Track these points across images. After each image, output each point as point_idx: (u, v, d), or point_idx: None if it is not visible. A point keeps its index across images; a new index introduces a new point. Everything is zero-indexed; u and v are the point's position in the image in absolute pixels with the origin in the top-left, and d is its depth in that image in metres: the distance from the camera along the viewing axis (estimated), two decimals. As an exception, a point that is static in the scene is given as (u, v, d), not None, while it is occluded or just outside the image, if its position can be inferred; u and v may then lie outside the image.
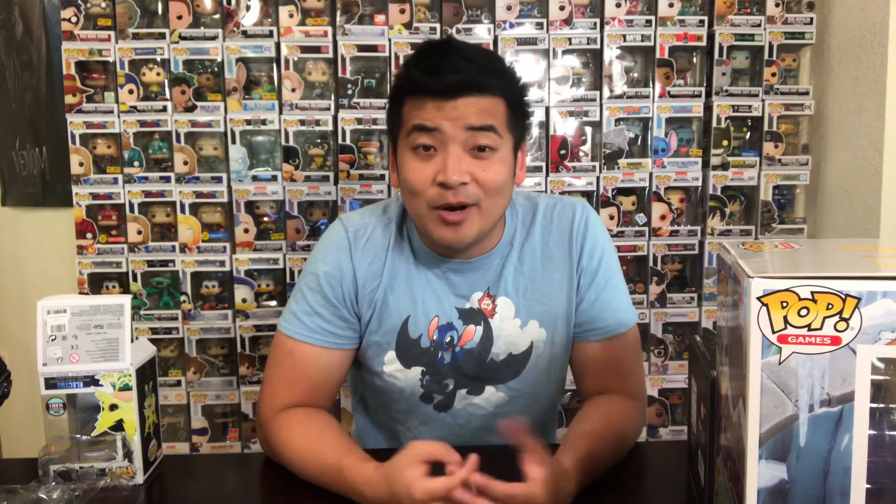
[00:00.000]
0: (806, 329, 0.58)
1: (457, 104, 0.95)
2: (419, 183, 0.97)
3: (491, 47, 1.72)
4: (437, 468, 0.81)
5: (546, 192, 1.75)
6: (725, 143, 1.78)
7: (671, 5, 1.74)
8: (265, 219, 1.79)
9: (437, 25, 1.74)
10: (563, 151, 1.76)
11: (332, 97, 1.75)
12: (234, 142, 1.74)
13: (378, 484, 0.83)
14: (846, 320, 0.57)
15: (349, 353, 1.09)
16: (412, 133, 0.97)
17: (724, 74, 1.76)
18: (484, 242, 1.06)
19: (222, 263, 1.77)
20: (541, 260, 1.09)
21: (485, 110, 0.97)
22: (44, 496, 0.85)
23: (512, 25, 1.73)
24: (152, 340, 1.26)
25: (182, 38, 1.72)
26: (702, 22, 1.75)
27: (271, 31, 1.72)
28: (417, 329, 1.07)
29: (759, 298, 0.58)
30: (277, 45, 1.72)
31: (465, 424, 1.12)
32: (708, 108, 1.77)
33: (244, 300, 1.78)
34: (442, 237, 0.99)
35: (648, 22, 1.73)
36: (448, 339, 1.07)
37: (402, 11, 1.73)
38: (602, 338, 1.09)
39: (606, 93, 1.76)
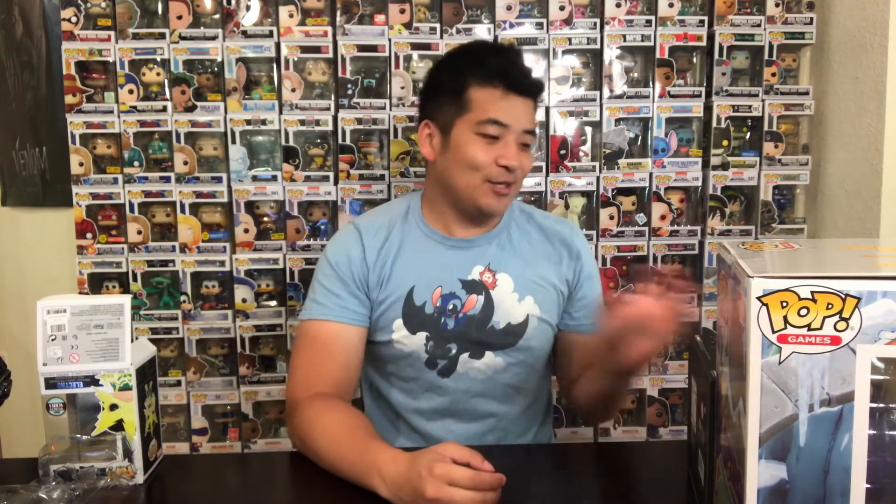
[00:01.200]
0: (806, 329, 0.58)
1: (527, 104, 1.17)
2: (483, 161, 1.15)
3: (491, 47, 1.73)
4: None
5: (546, 191, 1.76)
6: (725, 143, 1.78)
7: (671, 5, 1.74)
8: (265, 219, 1.79)
9: (437, 25, 1.73)
10: (563, 151, 1.76)
11: (332, 97, 1.75)
12: (234, 142, 1.74)
13: (401, 463, 0.87)
14: (846, 320, 0.57)
15: (364, 331, 1.21)
16: (486, 123, 1.15)
17: (724, 74, 1.76)
18: (487, 222, 1.24)
19: (222, 263, 1.77)
20: (536, 249, 1.26)
21: (533, 115, 1.20)
22: (44, 496, 0.85)
23: (512, 25, 1.73)
24: (152, 340, 1.26)
25: (182, 38, 1.72)
26: (702, 22, 1.74)
27: (271, 31, 1.72)
28: (421, 297, 1.20)
29: (759, 298, 0.58)
30: (277, 45, 1.72)
31: (467, 389, 1.22)
32: (708, 108, 1.77)
33: (244, 300, 1.78)
34: (490, 205, 1.18)
35: (648, 22, 1.73)
36: (451, 307, 1.20)
37: (402, 11, 1.73)
38: (589, 332, 1.23)
39: (606, 93, 1.76)
